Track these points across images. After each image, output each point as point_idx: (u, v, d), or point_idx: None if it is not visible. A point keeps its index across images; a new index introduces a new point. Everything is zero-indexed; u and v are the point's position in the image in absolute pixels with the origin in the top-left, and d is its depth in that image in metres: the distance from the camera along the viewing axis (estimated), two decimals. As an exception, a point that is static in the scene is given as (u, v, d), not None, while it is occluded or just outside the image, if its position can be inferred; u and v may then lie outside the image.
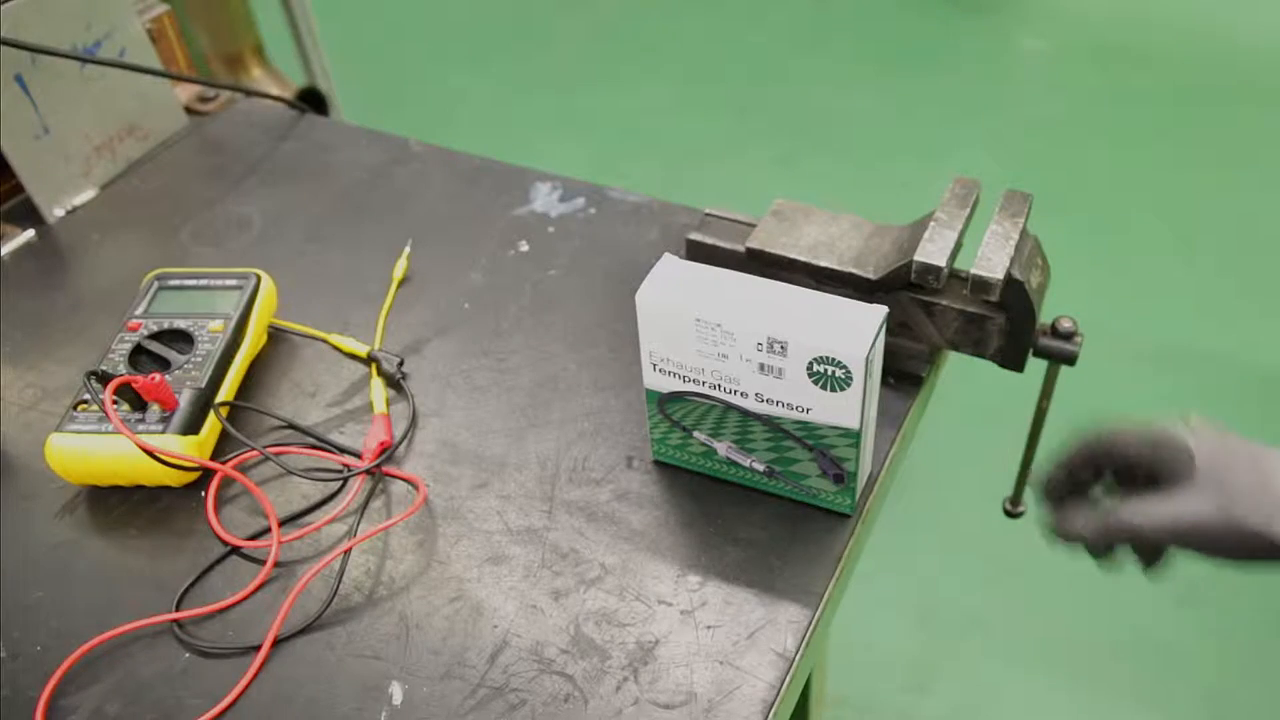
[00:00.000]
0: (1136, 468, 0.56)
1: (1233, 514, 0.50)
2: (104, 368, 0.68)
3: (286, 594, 0.60)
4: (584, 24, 3.08)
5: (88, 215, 0.93)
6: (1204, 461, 0.52)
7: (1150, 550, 0.55)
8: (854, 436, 0.58)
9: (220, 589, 0.61)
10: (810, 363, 0.56)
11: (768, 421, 0.60)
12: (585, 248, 0.85)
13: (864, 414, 0.57)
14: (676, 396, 0.62)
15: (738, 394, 0.59)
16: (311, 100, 1.83)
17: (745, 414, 0.60)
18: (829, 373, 0.56)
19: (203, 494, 0.66)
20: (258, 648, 0.58)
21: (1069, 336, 0.66)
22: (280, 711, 0.55)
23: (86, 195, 0.94)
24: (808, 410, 0.58)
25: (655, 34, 3.02)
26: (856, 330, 0.55)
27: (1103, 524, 0.55)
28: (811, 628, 0.58)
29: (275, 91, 1.50)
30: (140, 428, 0.65)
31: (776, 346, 0.56)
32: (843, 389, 0.56)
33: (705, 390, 0.60)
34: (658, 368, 0.61)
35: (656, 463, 0.67)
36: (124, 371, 0.68)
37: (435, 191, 0.92)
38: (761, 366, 0.57)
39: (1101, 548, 0.56)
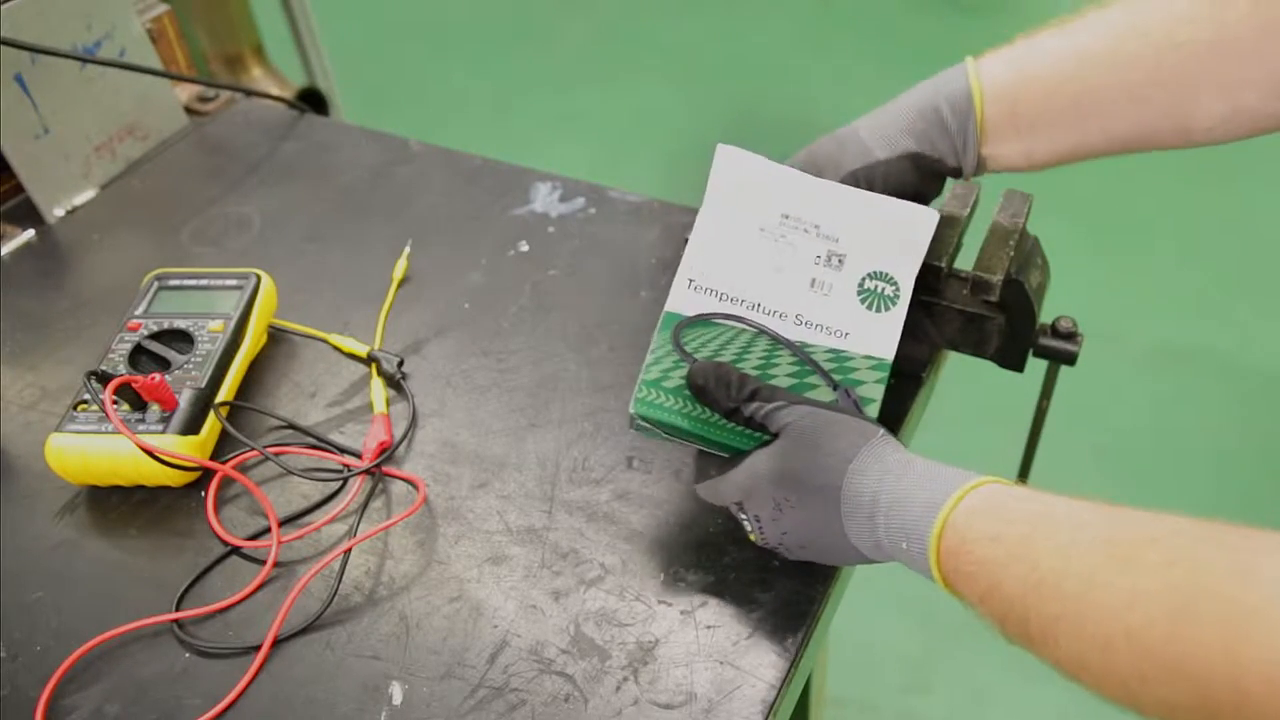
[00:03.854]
0: None
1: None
2: (104, 368, 0.68)
3: (286, 594, 0.60)
4: (584, 24, 3.07)
5: (88, 215, 0.93)
6: (798, 163, 0.62)
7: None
8: (885, 369, 0.59)
9: (220, 589, 0.61)
10: (864, 279, 0.59)
11: (798, 351, 0.59)
12: (585, 248, 0.85)
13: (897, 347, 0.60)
14: (701, 320, 0.59)
15: (777, 315, 0.59)
16: (311, 100, 1.82)
17: (776, 342, 0.59)
18: (879, 290, 0.58)
19: (203, 494, 0.66)
20: (258, 648, 0.58)
21: (1069, 336, 0.66)
22: (280, 711, 0.55)
23: (86, 195, 0.94)
24: (845, 335, 0.59)
25: (655, 34, 3.02)
26: (912, 243, 0.59)
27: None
28: (811, 628, 0.58)
29: (275, 91, 1.51)
30: (140, 428, 0.65)
31: (835, 260, 0.59)
32: (888, 308, 0.58)
33: (741, 311, 0.60)
34: (694, 284, 0.60)
35: (640, 426, 0.60)
36: (124, 371, 0.68)
37: (435, 191, 0.92)
38: (813, 282, 0.59)
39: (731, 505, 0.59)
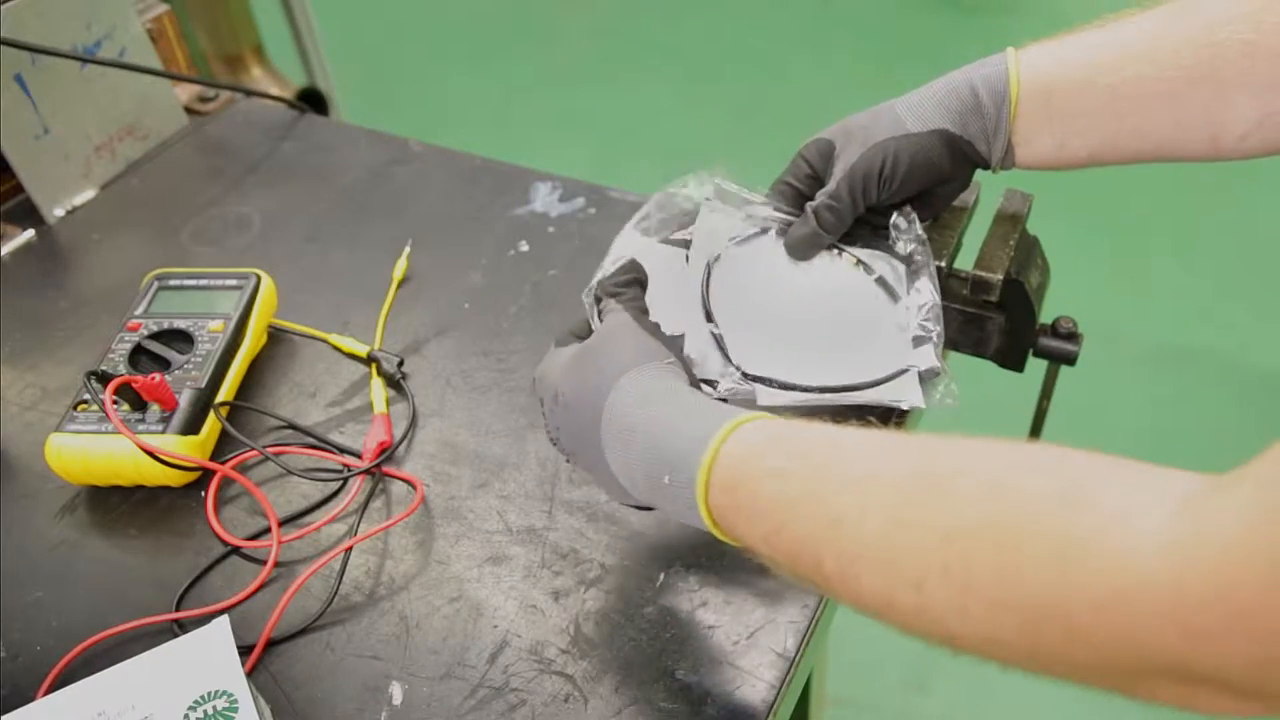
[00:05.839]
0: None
1: (860, 138, 0.60)
2: (104, 368, 0.68)
3: (286, 594, 0.59)
4: (584, 24, 3.07)
5: (88, 215, 0.93)
6: (832, 134, 0.63)
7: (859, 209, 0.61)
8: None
9: (220, 589, 0.61)
10: None
11: None
12: (585, 248, 0.85)
13: None
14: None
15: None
16: (311, 100, 1.82)
17: None
18: None
19: (203, 494, 0.66)
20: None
21: (1069, 336, 0.66)
22: (280, 711, 0.55)
23: (86, 195, 0.94)
24: None
25: (655, 34, 3.02)
26: None
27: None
28: (811, 628, 0.58)
29: (275, 91, 1.50)
30: (140, 428, 0.65)
31: None
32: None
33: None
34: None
35: None
36: (124, 371, 0.68)
37: (435, 191, 0.92)
38: None
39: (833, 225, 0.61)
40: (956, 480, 0.38)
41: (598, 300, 0.56)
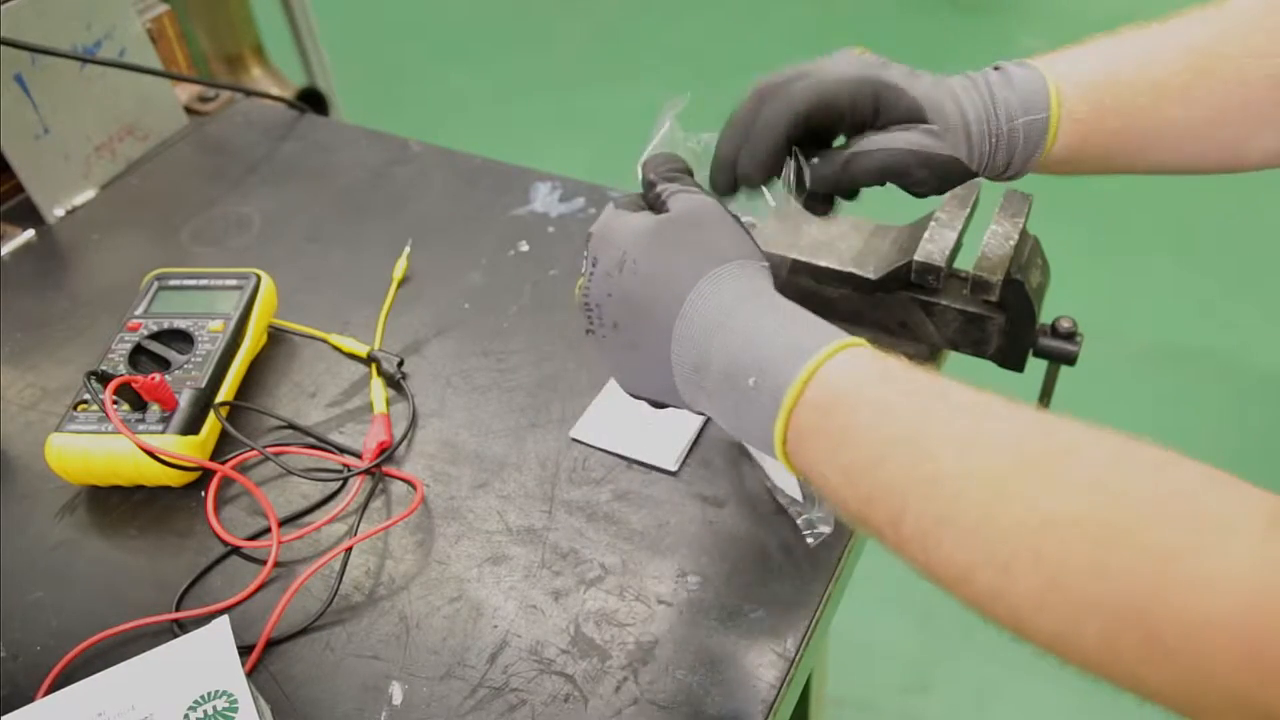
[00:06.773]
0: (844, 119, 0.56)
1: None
2: (104, 368, 0.68)
3: (286, 594, 0.59)
4: (584, 24, 3.08)
5: (88, 215, 0.93)
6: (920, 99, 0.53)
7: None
8: None
9: (220, 589, 0.61)
10: None
11: None
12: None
13: None
14: None
15: None
16: (311, 100, 1.83)
17: None
18: None
19: (203, 494, 0.66)
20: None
21: (1069, 336, 0.66)
22: (280, 711, 0.55)
23: (86, 195, 0.94)
24: None
25: (655, 34, 3.02)
26: None
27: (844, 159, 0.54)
28: (811, 628, 0.58)
29: (275, 91, 1.50)
30: (140, 428, 0.65)
31: None
32: None
33: None
34: None
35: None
36: (124, 371, 0.68)
37: (435, 191, 0.92)
38: None
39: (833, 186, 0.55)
40: (1063, 464, 0.36)
41: (650, 185, 0.51)
